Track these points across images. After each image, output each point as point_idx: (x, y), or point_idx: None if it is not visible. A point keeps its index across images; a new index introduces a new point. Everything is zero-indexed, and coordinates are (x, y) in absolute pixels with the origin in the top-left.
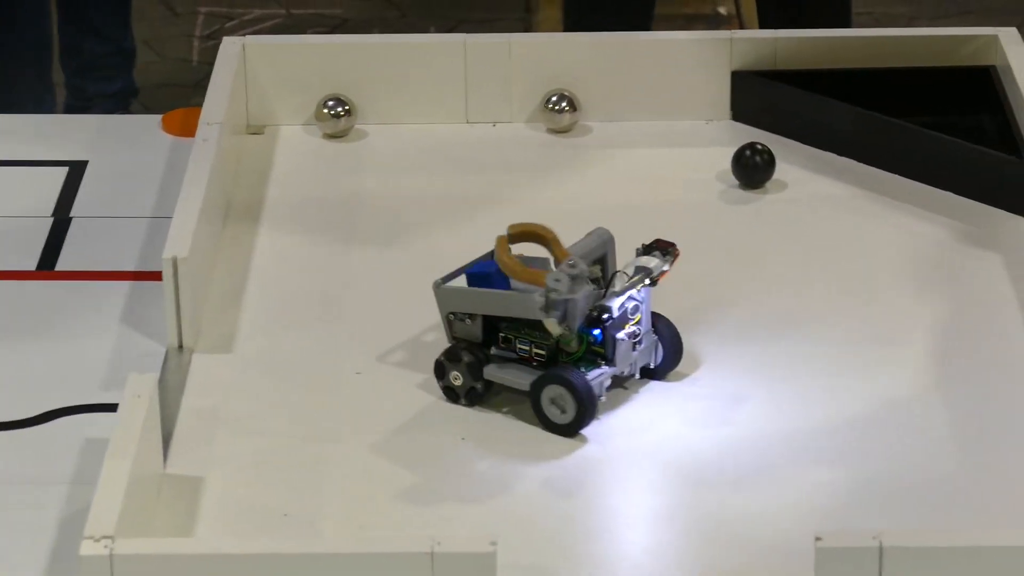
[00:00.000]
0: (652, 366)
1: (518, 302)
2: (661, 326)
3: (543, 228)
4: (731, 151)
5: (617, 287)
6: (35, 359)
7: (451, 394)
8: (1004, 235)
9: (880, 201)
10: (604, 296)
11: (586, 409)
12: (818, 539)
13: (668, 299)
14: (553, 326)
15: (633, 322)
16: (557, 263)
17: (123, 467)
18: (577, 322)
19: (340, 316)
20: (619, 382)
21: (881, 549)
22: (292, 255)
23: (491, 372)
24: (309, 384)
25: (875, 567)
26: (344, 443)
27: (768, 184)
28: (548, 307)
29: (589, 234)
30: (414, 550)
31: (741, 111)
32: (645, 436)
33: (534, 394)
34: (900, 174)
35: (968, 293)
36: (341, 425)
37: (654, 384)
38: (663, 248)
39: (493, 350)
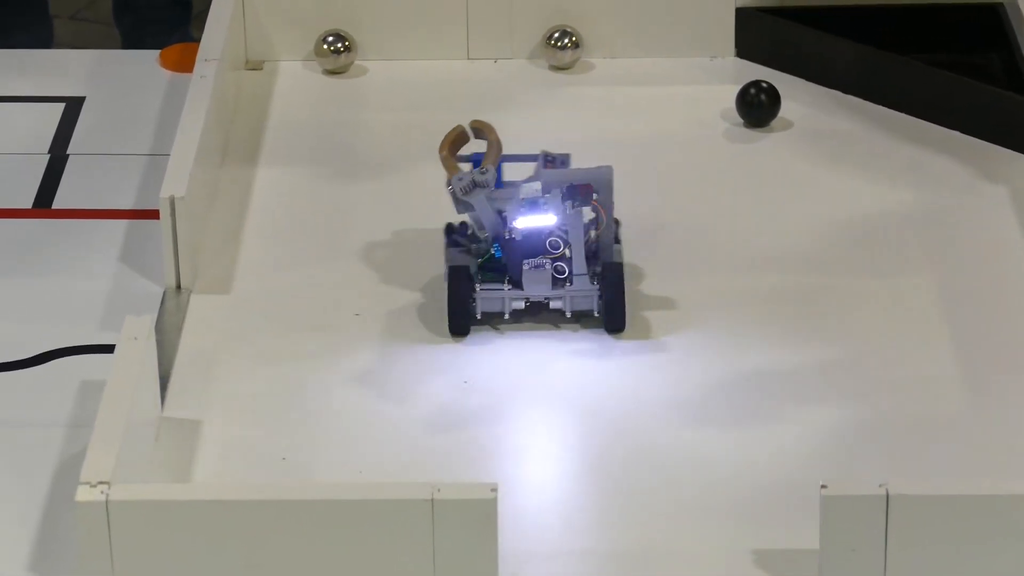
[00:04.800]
0: (596, 314)
1: None
2: (609, 277)
3: (493, 132)
4: (735, 89)
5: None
6: (31, 299)
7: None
8: (1010, 175)
9: (886, 140)
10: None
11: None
12: (823, 487)
13: (674, 239)
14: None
15: (556, 255)
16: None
17: (119, 411)
18: (485, 229)
19: (339, 255)
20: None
21: (888, 497)
22: (291, 194)
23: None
24: (308, 325)
25: (882, 516)
26: (343, 385)
27: (773, 122)
28: (455, 201)
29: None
30: (414, 497)
31: (746, 48)
32: (645, 374)
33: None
34: (906, 112)
35: (974, 233)
36: (340, 367)
37: (669, 317)
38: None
39: None
